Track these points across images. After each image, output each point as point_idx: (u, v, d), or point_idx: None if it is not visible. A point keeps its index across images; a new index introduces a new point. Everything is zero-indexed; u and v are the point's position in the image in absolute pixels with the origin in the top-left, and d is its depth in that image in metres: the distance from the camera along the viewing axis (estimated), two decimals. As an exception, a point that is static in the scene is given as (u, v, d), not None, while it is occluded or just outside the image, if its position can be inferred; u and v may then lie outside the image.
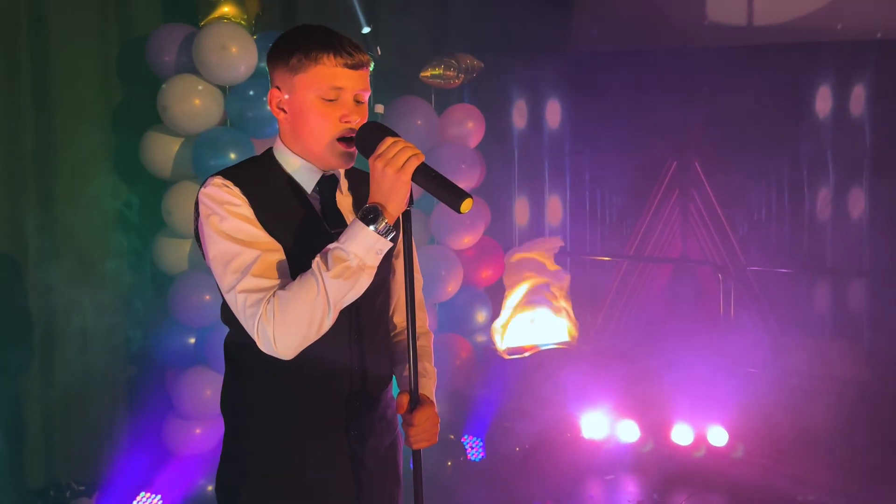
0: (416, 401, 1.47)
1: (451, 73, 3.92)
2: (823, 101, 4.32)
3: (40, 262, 3.18)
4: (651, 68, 4.42)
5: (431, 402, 1.53)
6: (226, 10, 3.20)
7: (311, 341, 1.37)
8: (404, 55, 3.98)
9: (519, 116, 4.88)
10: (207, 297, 3.15)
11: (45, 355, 3.22)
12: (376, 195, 1.37)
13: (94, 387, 3.34)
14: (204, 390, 3.19)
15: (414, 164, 1.36)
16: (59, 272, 3.22)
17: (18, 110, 3.12)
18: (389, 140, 1.38)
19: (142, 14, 3.41)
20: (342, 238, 1.37)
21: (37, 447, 3.21)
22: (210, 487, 3.28)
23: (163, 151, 3.20)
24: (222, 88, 3.20)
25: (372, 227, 1.36)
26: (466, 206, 1.38)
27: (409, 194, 1.39)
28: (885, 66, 4.11)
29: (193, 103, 3.11)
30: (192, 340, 3.26)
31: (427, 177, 1.38)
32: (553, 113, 4.87)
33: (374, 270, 1.40)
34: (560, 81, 4.71)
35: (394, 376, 1.65)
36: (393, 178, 1.35)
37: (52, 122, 3.20)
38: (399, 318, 1.68)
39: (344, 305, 1.39)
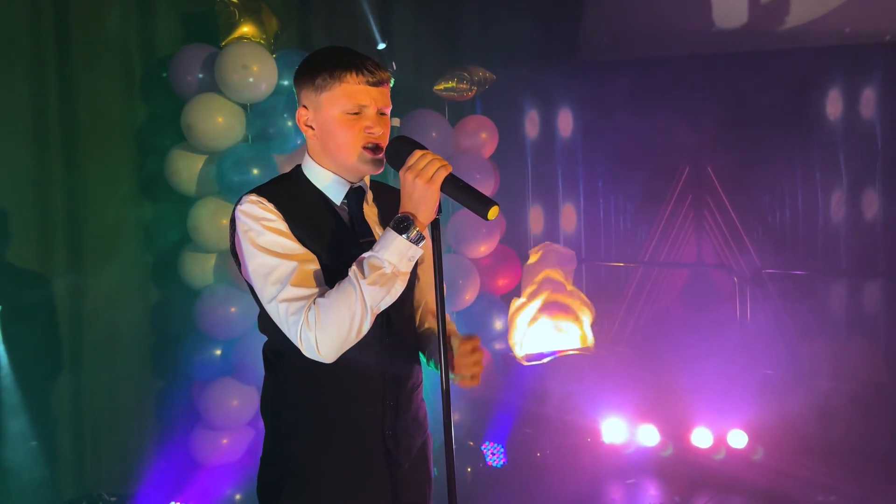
0: (448, 398, 1.51)
1: (464, 86, 3.98)
2: (834, 104, 4.34)
3: (68, 278, 3.24)
4: (662, 75, 4.45)
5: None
6: (246, 30, 3.27)
7: (351, 344, 1.45)
8: (418, 70, 4.04)
9: (531, 126, 4.93)
10: (233, 310, 3.21)
11: (74, 369, 3.28)
12: (407, 205, 1.45)
13: (123, 399, 3.40)
14: (231, 401, 3.24)
15: (443, 174, 1.44)
16: (87, 287, 3.28)
17: (46, 132, 3.19)
18: (419, 153, 1.46)
19: (164, 36, 3.49)
20: (377, 247, 1.45)
21: (68, 460, 3.27)
22: (238, 496, 3.33)
23: (187, 168, 3.27)
24: (244, 106, 3.26)
25: (404, 236, 1.44)
26: (493, 213, 1.45)
27: (437, 204, 1.46)
28: (895, 68, 4.13)
29: (216, 121, 3.17)
30: (219, 352, 3.32)
31: (455, 186, 1.46)
32: (565, 121, 4.91)
33: (408, 276, 1.47)
34: (571, 90, 4.75)
35: (422, 379, 1.71)
36: (423, 189, 1.43)
37: (79, 142, 3.27)
38: (424, 323, 1.74)
39: (380, 310, 1.46)
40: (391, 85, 1.58)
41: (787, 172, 4.40)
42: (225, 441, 3.31)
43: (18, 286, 3.15)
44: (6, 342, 3.08)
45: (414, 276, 1.66)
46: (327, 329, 1.41)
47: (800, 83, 4.28)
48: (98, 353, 3.33)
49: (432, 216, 1.47)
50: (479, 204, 1.45)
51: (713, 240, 4.55)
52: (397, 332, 1.60)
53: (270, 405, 1.62)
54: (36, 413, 3.15)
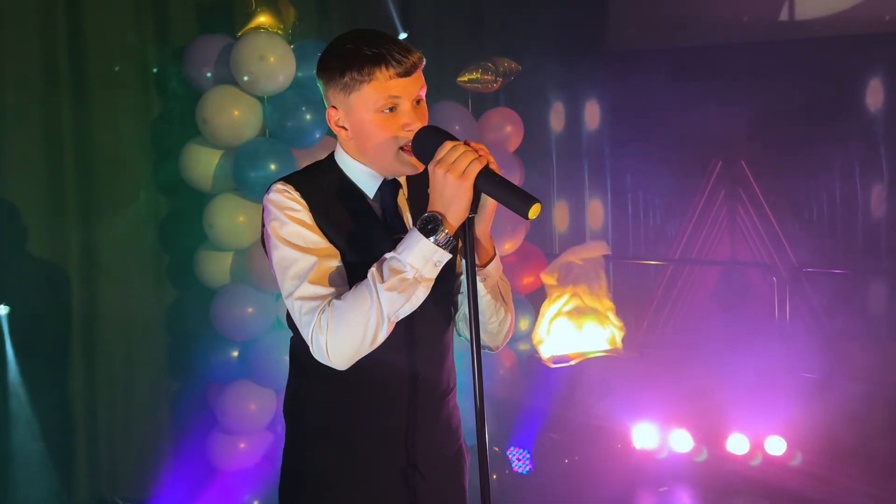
0: (483, 428, 1.39)
1: (489, 77, 3.87)
2: (874, 95, 4.21)
3: (82, 278, 3.19)
4: (692, 65, 4.35)
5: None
6: (262, 19, 3.19)
7: (365, 353, 1.36)
8: (440, 60, 3.94)
9: (556, 118, 4.81)
10: (250, 310, 3.13)
11: (88, 371, 3.22)
12: (436, 203, 1.33)
13: (138, 402, 3.35)
14: (248, 404, 3.17)
15: (476, 168, 1.31)
16: (101, 287, 3.23)
17: (58, 126, 3.13)
18: (449, 144, 1.33)
19: (179, 27, 3.42)
20: (399, 248, 1.34)
21: (83, 463, 3.22)
22: (256, 502, 3.25)
23: (203, 164, 3.19)
24: (261, 99, 3.18)
25: (431, 238, 1.32)
26: (535, 211, 1.30)
27: (471, 201, 1.33)
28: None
29: (232, 115, 3.09)
30: (236, 354, 3.24)
31: (491, 181, 1.32)
32: (592, 114, 4.80)
33: (432, 283, 1.35)
34: (598, 81, 4.64)
35: (455, 383, 1.59)
36: (454, 185, 1.30)
37: (92, 137, 3.21)
38: (461, 325, 1.61)
39: (400, 318, 1.36)
40: (423, 65, 1.44)
41: (824, 166, 4.26)
42: (242, 445, 3.23)
43: (31, 286, 3.10)
44: (18, 344, 3.02)
45: (453, 279, 1.54)
46: (338, 335, 1.33)
47: (837, 73, 4.15)
48: (112, 355, 3.27)
49: (464, 216, 1.34)
50: (519, 201, 1.31)
51: (747, 237, 4.42)
52: (428, 333, 1.49)
53: (291, 405, 1.54)
54: (49, 417, 3.10)
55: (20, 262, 3.07)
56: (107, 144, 3.24)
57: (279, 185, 1.43)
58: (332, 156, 1.52)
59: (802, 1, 4.39)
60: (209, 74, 3.18)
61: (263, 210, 1.45)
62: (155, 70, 3.38)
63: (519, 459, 3.68)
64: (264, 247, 1.47)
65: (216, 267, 3.23)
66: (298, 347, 1.49)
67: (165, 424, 3.43)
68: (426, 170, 1.41)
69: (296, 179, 1.45)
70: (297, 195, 1.41)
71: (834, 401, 3.51)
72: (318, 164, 1.54)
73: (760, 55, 4.27)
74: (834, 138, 4.20)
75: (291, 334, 1.51)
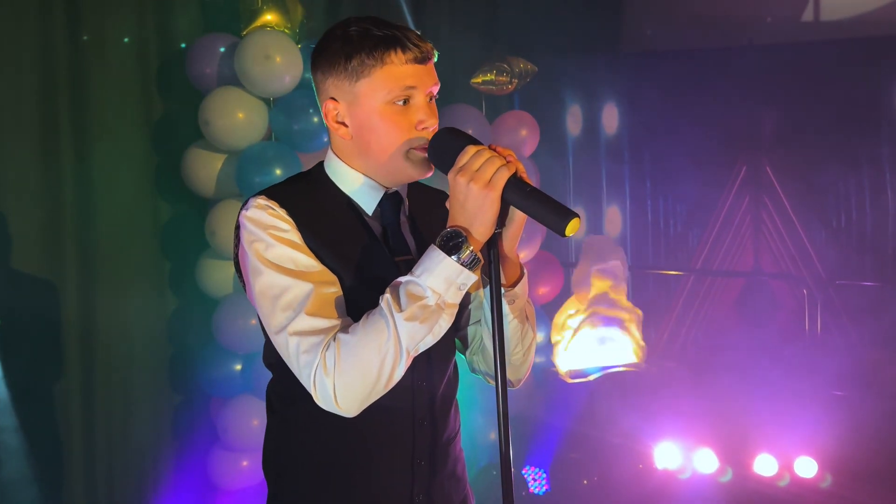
0: (510, 490, 1.24)
1: (504, 79, 3.76)
2: (904, 98, 4.06)
3: (81, 285, 3.09)
4: (714, 67, 4.22)
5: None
6: (269, 17, 3.10)
7: (379, 395, 1.17)
8: (453, 61, 3.82)
9: (573, 122, 4.69)
10: (253, 322, 3.01)
11: (87, 382, 3.12)
12: (459, 217, 1.16)
13: (137, 414, 3.24)
14: (251, 420, 3.05)
15: (504, 176, 1.15)
16: (99, 296, 3.13)
17: (54, 127, 3.04)
18: (472, 149, 1.17)
19: (182, 25, 3.32)
20: (417, 270, 1.16)
21: (79, 476, 3.12)
22: (258, 524, 3.13)
23: (205, 168, 3.09)
24: (266, 101, 3.09)
25: (454, 258, 1.15)
26: (573, 227, 1.15)
27: (497, 214, 1.17)
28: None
29: (236, 117, 2.99)
30: (238, 367, 3.13)
31: (521, 192, 1.17)
32: (610, 117, 4.68)
33: (456, 310, 1.18)
34: (616, 83, 4.52)
35: (460, 426, 1.43)
36: (479, 196, 1.15)
37: (90, 139, 3.11)
38: (477, 359, 1.45)
39: (419, 352, 1.18)
40: (436, 59, 1.28)
41: (853, 172, 4.11)
42: (245, 463, 3.12)
43: (24, 294, 3.00)
44: (14, 355, 2.91)
45: (466, 302, 1.38)
46: (350, 375, 1.13)
47: (865, 75, 4.00)
48: (111, 366, 3.16)
49: (490, 231, 1.17)
50: (555, 216, 1.15)
51: (772, 246, 4.27)
52: (434, 373, 1.32)
53: (274, 461, 1.34)
54: (45, 429, 3.00)
55: (14, 269, 2.97)
56: (105, 147, 3.14)
57: (260, 201, 1.24)
58: (320, 166, 1.33)
59: (829, 1, 4.26)
60: (213, 74, 3.07)
61: (239, 229, 1.25)
62: (156, 69, 3.28)
63: (535, 479, 3.58)
64: (239, 273, 1.28)
65: (219, 276, 3.12)
66: (280, 394, 1.31)
67: (165, 439, 3.32)
68: (424, 184, 1.26)
69: (279, 193, 1.26)
70: (282, 212, 1.22)
71: (866, 420, 3.38)
72: (304, 174, 1.35)
73: (784, 57, 4.12)
74: (863, 143, 4.06)
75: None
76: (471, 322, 1.41)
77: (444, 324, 1.17)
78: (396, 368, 1.16)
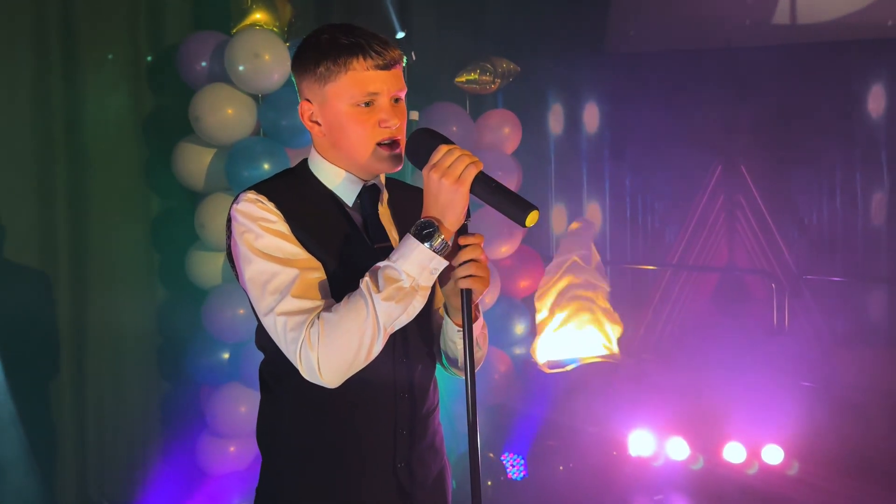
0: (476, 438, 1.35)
1: (487, 78, 3.84)
2: (876, 100, 4.17)
3: (72, 276, 3.14)
4: (693, 68, 4.29)
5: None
6: (258, 16, 3.15)
7: (359, 368, 1.29)
8: (439, 60, 3.90)
9: (555, 121, 4.77)
10: (241, 312, 3.08)
11: (76, 371, 3.17)
12: (432, 209, 1.28)
13: (126, 403, 3.30)
14: (238, 407, 3.12)
15: (472, 172, 1.27)
16: (90, 286, 3.18)
17: (48, 123, 3.08)
18: (444, 148, 1.29)
19: (172, 23, 3.37)
20: (394, 256, 1.28)
21: (69, 465, 3.17)
22: (245, 508, 3.21)
23: (195, 163, 3.14)
24: (255, 97, 3.14)
25: (427, 245, 1.27)
26: (533, 219, 1.27)
27: (467, 207, 1.30)
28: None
29: (226, 113, 3.05)
30: (227, 356, 3.19)
31: (487, 187, 1.29)
32: (591, 116, 4.76)
33: (428, 292, 1.31)
34: (598, 84, 4.60)
35: (439, 401, 1.55)
36: (450, 190, 1.26)
37: (83, 134, 3.16)
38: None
39: (394, 329, 1.30)
40: (404, 65, 1.39)
41: (825, 172, 4.22)
42: (232, 449, 3.19)
43: (19, 283, 3.04)
44: (4, 345, 2.95)
45: (434, 288, 1.48)
46: (332, 349, 1.25)
47: (840, 78, 4.12)
48: (102, 356, 3.22)
49: (460, 221, 1.29)
50: (516, 208, 1.27)
51: (746, 242, 4.38)
52: (414, 349, 1.44)
53: (267, 434, 1.46)
54: (35, 418, 3.04)
55: (5, 261, 3.01)
56: (97, 142, 3.19)
57: (250, 195, 1.35)
58: (304, 162, 1.45)
59: (805, 5, 4.36)
60: (203, 71, 3.12)
61: (230, 222, 1.36)
62: (147, 66, 3.33)
63: (513, 465, 3.64)
64: (231, 263, 1.39)
65: (208, 267, 3.18)
66: (271, 372, 1.43)
67: (154, 426, 3.38)
68: (404, 181, 1.37)
69: (268, 188, 1.37)
70: (271, 205, 1.33)
71: (832, 409, 3.49)
72: (290, 171, 1.47)
73: (762, 59, 4.22)
74: (835, 144, 4.15)
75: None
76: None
77: (418, 304, 1.29)
78: (375, 344, 1.27)
